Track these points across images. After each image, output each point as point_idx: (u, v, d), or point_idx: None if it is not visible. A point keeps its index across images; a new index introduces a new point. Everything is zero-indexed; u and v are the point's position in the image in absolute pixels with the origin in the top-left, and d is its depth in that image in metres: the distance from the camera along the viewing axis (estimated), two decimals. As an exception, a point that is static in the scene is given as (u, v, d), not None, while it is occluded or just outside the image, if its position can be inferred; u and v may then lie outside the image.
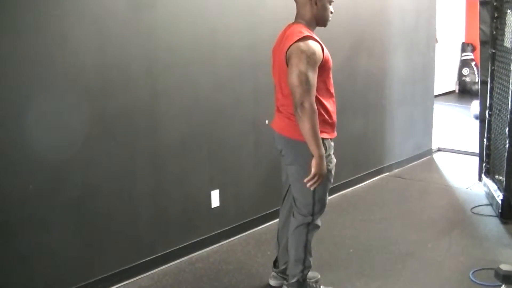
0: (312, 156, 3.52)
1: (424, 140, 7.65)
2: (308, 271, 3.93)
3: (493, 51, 5.94)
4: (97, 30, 3.88)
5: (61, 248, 3.89)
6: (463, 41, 12.97)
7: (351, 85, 6.19)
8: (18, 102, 3.54)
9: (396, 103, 6.92)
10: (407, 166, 7.24)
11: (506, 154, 5.31)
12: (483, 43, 6.21)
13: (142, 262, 4.37)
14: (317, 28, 3.75)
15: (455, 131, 9.11)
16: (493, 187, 5.82)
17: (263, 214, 5.16)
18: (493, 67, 5.96)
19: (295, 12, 3.72)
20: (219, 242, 4.89)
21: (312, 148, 3.49)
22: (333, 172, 3.79)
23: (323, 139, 3.58)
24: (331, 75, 3.73)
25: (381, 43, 6.55)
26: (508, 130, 5.21)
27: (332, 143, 3.77)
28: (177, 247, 4.60)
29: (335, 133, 3.81)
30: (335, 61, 5.83)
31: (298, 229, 3.84)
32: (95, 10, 3.85)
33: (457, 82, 12.96)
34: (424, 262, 4.58)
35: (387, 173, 6.92)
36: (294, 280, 3.90)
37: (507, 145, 5.25)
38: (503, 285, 3.58)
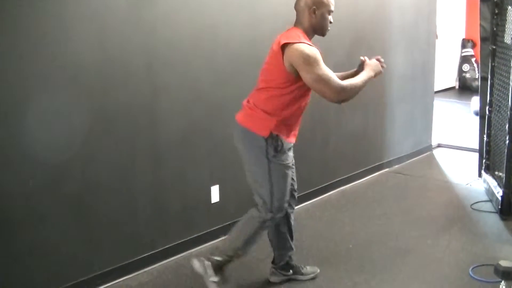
0: (265, 148, 3.64)
1: (424, 136, 7.65)
2: (235, 258, 3.92)
3: (494, 47, 5.93)
4: (97, 26, 3.88)
5: (61, 243, 3.90)
6: (463, 37, 12.95)
7: (351, 81, 6.17)
8: (18, 98, 3.54)
9: (396, 100, 6.92)
10: (407, 162, 7.23)
11: (506, 150, 5.30)
12: (483, 39, 6.20)
13: (141, 257, 4.37)
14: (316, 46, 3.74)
15: (455, 127, 9.11)
16: (493, 183, 5.82)
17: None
18: (493, 64, 5.95)
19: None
20: (218, 237, 4.88)
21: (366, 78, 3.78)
22: (289, 171, 3.81)
23: (278, 135, 3.66)
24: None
25: (381, 40, 6.55)
26: (508, 127, 5.20)
27: (290, 145, 3.81)
28: (177, 243, 4.60)
29: (293, 140, 3.83)
30: (335, 58, 5.85)
31: (252, 219, 3.84)
32: (95, 6, 3.85)
33: (457, 79, 12.95)
34: (424, 258, 4.58)
35: (387, 169, 6.92)
36: (216, 260, 3.86)
37: (507, 142, 5.25)
38: (503, 281, 3.57)
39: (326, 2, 3.69)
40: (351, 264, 4.49)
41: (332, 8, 3.73)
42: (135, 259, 4.33)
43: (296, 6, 3.73)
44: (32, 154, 3.65)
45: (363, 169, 6.58)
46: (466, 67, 12.76)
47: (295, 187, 4.05)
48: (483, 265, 4.38)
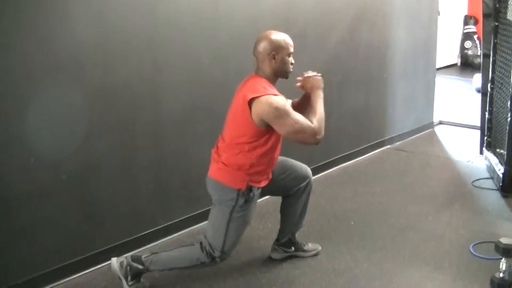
0: (235, 200, 3.66)
1: (426, 113, 7.64)
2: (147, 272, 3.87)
3: (496, 24, 5.90)
4: (97, 4, 3.86)
5: (62, 220, 3.91)
6: (466, 14, 12.87)
7: (353, 58, 6.17)
8: (18, 75, 3.53)
9: (398, 76, 6.90)
10: (408, 139, 7.23)
11: (507, 127, 5.29)
12: (485, 16, 6.17)
13: (143, 234, 4.39)
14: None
15: (457, 104, 9.09)
16: (494, 160, 5.82)
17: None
18: (495, 40, 5.93)
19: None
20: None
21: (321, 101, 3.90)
22: (249, 220, 3.81)
23: (251, 186, 3.67)
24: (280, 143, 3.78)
25: (383, 16, 6.51)
26: (510, 104, 5.19)
27: (258, 193, 3.79)
28: (179, 219, 4.61)
29: (266, 182, 3.82)
30: (337, 34, 5.83)
31: (197, 254, 3.77)
32: (96, -18, 3.84)
33: (459, 55, 12.89)
34: (425, 235, 4.60)
35: (388, 146, 6.92)
36: (140, 267, 3.79)
37: (508, 119, 5.24)
38: (503, 259, 3.58)
39: (284, 46, 3.64)
40: (352, 241, 4.51)
41: (292, 49, 3.68)
42: (137, 236, 4.35)
43: (255, 54, 3.68)
44: (33, 132, 3.65)
45: (365, 146, 6.58)
46: (468, 44, 12.70)
47: (306, 172, 4.12)
48: (483, 242, 4.40)
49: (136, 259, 3.81)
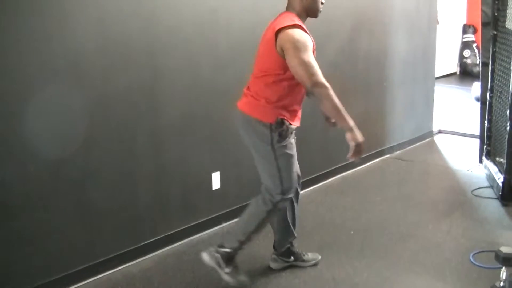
0: (269, 135, 3.62)
1: (425, 122, 7.64)
2: (245, 245, 3.92)
3: (495, 32, 5.91)
4: (97, 11, 3.86)
5: (62, 230, 3.90)
6: (465, 22, 12.91)
7: (352, 67, 6.18)
8: (18, 84, 3.53)
9: (397, 85, 6.90)
10: (408, 148, 7.23)
11: (507, 136, 5.30)
12: (484, 24, 6.18)
13: (143, 244, 4.38)
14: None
15: (456, 113, 9.10)
16: (493, 169, 5.82)
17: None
18: (494, 49, 5.94)
19: None
20: (220, 224, 4.90)
21: (341, 123, 3.61)
22: (294, 152, 3.80)
23: (282, 119, 3.65)
24: None
25: (382, 24, 6.53)
26: (509, 112, 5.19)
27: (294, 129, 3.78)
28: (178, 229, 4.60)
29: (297, 123, 3.81)
30: (336, 43, 5.83)
31: (263, 203, 3.82)
32: (95, -8, 3.84)
33: (458, 64, 12.92)
34: (425, 244, 4.59)
35: (388, 155, 6.92)
36: (227, 250, 3.86)
37: (508, 127, 5.24)
38: (503, 267, 3.58)
39: None
40: (352, 250, 4.50)
41: None
42: (137, 246, 4.34)
43: None
44: (33, 140, 3.64)
45: (364, 155, 6.55)
46: (467, 52, 12.73)
47: (299, 172, 4.04)
48: (483, 251, 4.39)
49: (220, 244, 3.89)
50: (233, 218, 4.97)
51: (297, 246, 4.23)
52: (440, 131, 8.04)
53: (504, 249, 3.52)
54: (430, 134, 7.77)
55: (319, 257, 4.26)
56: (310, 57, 3.49)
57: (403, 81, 6.99)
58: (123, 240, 4.25)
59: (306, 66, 3.45)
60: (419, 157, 6.90)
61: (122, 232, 4.24)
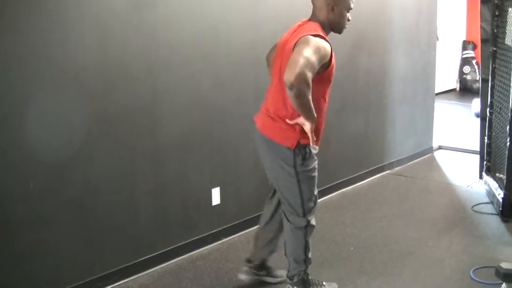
0: (292, 158, 3.57)
1: (425, 138, 7.65)
2: (308, 267, 3.92)
3: (494, 49, 5.93)
4: (98, 28, 3.88)
5: (61, 246, 3.89)
6: (464, 39, 12.95)
7: (352, 84, 6.19)
8: (19, 100, 3.54)
9: (397, 101, 6.92)
10: (408, 164, 7.23)
11: (507, 152, 5.30)
12: (484, 41, 6.20)
13: (142, 260, 4.37)
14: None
15: (456, 129, 9.11)
16: (494, 185, 5.81)
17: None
18: (494, 65, 5.95)
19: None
20: (219, 240, 4.89)
21: (308, 117, 3.44)
22: (316, 174, 3.76)
23: (305, 144, 3.59)
24: (330, 84, 3.69)
25: (382, 41, 6.55)
26: (509, 128, 5.20)
27: (317, 149, 3.75)
28: (178, 245, 4.60)
29: (318, 143, 3.76)
30: (336, 59, 5.84)
31: (295, 232, 3.80)
32: (96, 9, 3.85)
33: (458, 80, 12.95)
34: (425, 261, 4.58)
35: (388, 171, 6.92)
36: (298, 279, 3.90)
37: (508, 143, 5.24)
38: (504, 284, 3.58)
39: None
40: (352, 266, 4.49)
41: (352, 5, 3.64)
42: (136, 261, 4.33)
43: (314, 0, 3.63)
44: (33, 156, 3.65)
45: (364, 171, 6.58)
46: (467, 69, 12.76)
47: None
48: (484, 267, 4.38)
49: (290, 276, 3.94)
50: (233, 234, 4.98)
51: (271, 261, 4.22)
52: (440, 147, 8.04)
53: (505, 265, 3.52)
54: (430, 150, 7.77)
55: (336, 286, 4.15)
56: (315, 59, 3.32)
57: (403, 97, 7.00)
58: (123, 256, 4.24)
59: (306, 60, 3.27)
60: (419, 173, 6.90)
61: (122, 247, 4.24)
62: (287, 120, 3.55)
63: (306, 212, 3.75)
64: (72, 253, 3.96)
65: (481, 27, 6.17)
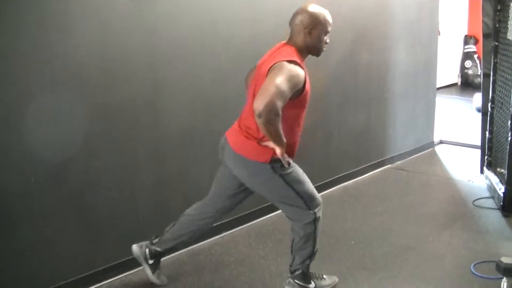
0: (270, 168, 3.58)
1: (426, 133, 7.64)
2: (312, 261, 3.93)
3: (496, 44, 5.92)
4: (98, 23, 3.87)
5: (62, 240, 3.90)
6: (466, 33, 12.92)
7: (353, 78, 6.18)
8: (20, 96, 3.54)
9: (398, 96, 6.91)
10: (409, 158, 7.23)
11: (508, 147, 5.30)
12: (485, 35, 6.19)
13: (143, 253, 4.37)
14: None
15: (457, 124, 9.10)
16: (495, 180, 5.81)
17: (264, 205, 5.15)
18: (495, 60, 5.94)
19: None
20: (220, 233, 4.89)
21: (278, 143, 3.47)
22: (299, 169, 3.76)
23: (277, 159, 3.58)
24: (304, 112, 3.70)
25: (383, 36, 6.54)
26: (510, 123, 5.19)
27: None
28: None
29: (293, 156, 3.75)
30: (337, 54, 5.84)
31: (305, 228, 3.79)
32: (97, 3, 3.84)
33: (460, 75, 12.93)
34: (425, 255, 4.58)
35: (388, 166, 6.92)
36: (299, 272, 3.91)
37: (509, 138, 5.24)
38: (504, 278, 3.58)
39: (323, 22, 3.58)
40: (353, 260, 4.50)
41: (329, 29, 3.63)
42: (137, 255, 4.34)
43: (291, 23, 3.62)
44: (34, 151, 3.65)
45: (365, 165, 6.58)
46: (468, 63, 12.74)
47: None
48: (484, 261, 4.38)
49: (292, 270, 3.93)
50: (233, 228, 4.98)
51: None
52: (441, 142, 8.03)
53: (505, 260, 3.52)
54: (431, 144, 7.76)
55: (337, 279, 4.15)
56: (286, 88, 3.32)
57: (404, 92, 7.00)
58: (124, 249, 4.24)
59: (277, 89, 3.28)
60: (420, 168, 6.90)
61: (123, 241, 4.23)
62: (259, 141, 3.57)
63: (311, 206, 3.75)
64: (72, 247, 3.97)
65: (483, 21, 6.15)
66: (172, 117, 4.42)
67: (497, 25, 5.87)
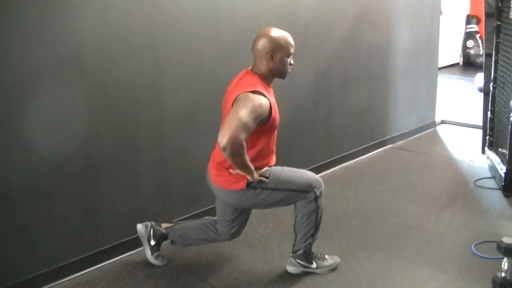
0: (252, 193, 3.65)
1: (428, 113, 7.63)
2: (315, 241, 3.95)
3: (498, 23, 5.89)
4: (99, 2, 3.85)
5: (64, 219, 3.91)
6: (468, 13, 12.86)
7: (355, 57, 6.17)
8: (21, 77, 3.53)
9: (400, 75, 6.89)
10: (410, 138, 7.22)
11: (509, 127, 5.29)
12: (488, 15, 6.16)
13: (145, 233, 4.38)
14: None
15: (459, 103, 9.08)
16: (496, 160, 5.81)
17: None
18: (498, 40, 5.92)
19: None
20: (222, 213, 4.89)
21: (247, 174, 3.55)
22: (285, 168, 3.83)
23: (258, 168, 3.62)
24: (275, 133, 3.71)
25: (385, 15, 6.51)
26: (512, 103, 5.19)
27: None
28: (180, 218, 4.60)
29: (273, 161, 3.80)
30: (339, 33, 5.82)
31: (307, 206, 3.82)
32: (98, -19, 3.83)
33: (462, 55, 12.88)
34: (427, 235, 4.59)
35: (390, 145, 6.92)
36: (301, 251, 3.93)
37: (511, 118, 5.23)
38: (505, 258, 3.58)
39: (284, 45, 3.55)
40: (354, 240, 4.51)
41: (292, 50, 3.59)
42: (138, 235, 4.34)
43: (253, 49, 3.60)
44: (35, 131, 3.64)
45: (367, 145, 6.57)
46: (470, 43, 12.69)
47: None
48: (485, 241, 4.39)
49: (294, 250, 3.98)
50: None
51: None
52: (442, 122, 8.02)
53: (506, 240, 3.52)
54: (433, 124, 7.75)
55: (339, 259, 4.16)
56: (250, 118, 3.33)
57: (406, 71, 6.98)
58: (126, 229, 4.25)
59: (240, 122, 3.29)
60: (422, 148, 6.90)
61: (125, 221, 4.25)
62: (230, 170, 3.62)
63: (310, 188, 3.78)
64: (74, 227, 3.97)
65: (485, 1, 6.13)
66: (173, 96, 4.41)
67: (500, 5, 5.84)
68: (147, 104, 4.26)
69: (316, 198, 3.80)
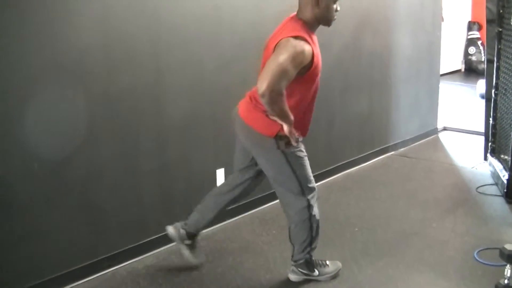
0: (275, 143, 3.57)
1: (430, 119, 7.63)
2: (314, 249, 3.93)
3: (500, 29, 5.89)
4: (101, 9, 3.86)
5: (66, 227, 3.90)
6: (470, 19, 12.89)
7: (356, 64, 6.17)
8: (22, 81, 3.53)
9: (402, 82, 6.90)
10: (412, 145, 7.23)
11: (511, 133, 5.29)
12: (489, 21, 6.17)
13: (147, 240, 4.38)
14: (321, 27, 3.61)
15: (461, 110, 9.09)
16: (498, 166, 5.81)
17: (268, 193, 5.14)
18: (499, 46, 5.92)
19: None
20: (224, 220, 4.89)
21: (285, 122, 3.47)
22: (304, 152, 3.76)
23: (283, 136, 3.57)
24: (318, 82, 3.63)
25: (387, 22, 6.52)
26: (514, 110, 5.19)
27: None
28: (182, 226, 4.61)
29: (304, 134, 3.77)
30: (340, 40, 5.82)
31: (299, 215, 3.79)
32: (99, -12, 3.84)
33: (463, 61, 12.90)
34: (429, 241, 4.59)
35: (392, 152, 6.92)
36: (302, 261, 3.92)
37: (513, 125, 5.24)
38: (508, 265, 3.58)
39: None
40: (356, 247, 4.50)
41: None
42: (141, 242, 4.34)
43: None
44: (37, 137, 3.65)
45: (369, 152, 6.57)
46: (472, 49, 12.71)
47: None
48: (488, 248, 4.38)
49: (294, 260, 3.96)
50: (237, 215, 4.99)
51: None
52: (444, 128, 8.03)
53: (509, 247, 3.52)
54: (435, 131, 7.76)
55: (340, 265, 4.15)
56: (291, 67, 3.28)
57: (407, 78, 6.98)
58: (128, 237, 4.26)
59: (280, 69, 3.25)
60: (424, 154, 6.90)
61: (127, 228, 4.25)
62: (268, 114, 3.54)
63: (305, 191, 3.74)
64: (76, 234, 3.97)
65: (487, 7, 6.13)
66: (174, 103, 4.41)
67: (501, 11, 5.84)
68: (148, 111, 4.26)
69: (309, 207, 3.77)
